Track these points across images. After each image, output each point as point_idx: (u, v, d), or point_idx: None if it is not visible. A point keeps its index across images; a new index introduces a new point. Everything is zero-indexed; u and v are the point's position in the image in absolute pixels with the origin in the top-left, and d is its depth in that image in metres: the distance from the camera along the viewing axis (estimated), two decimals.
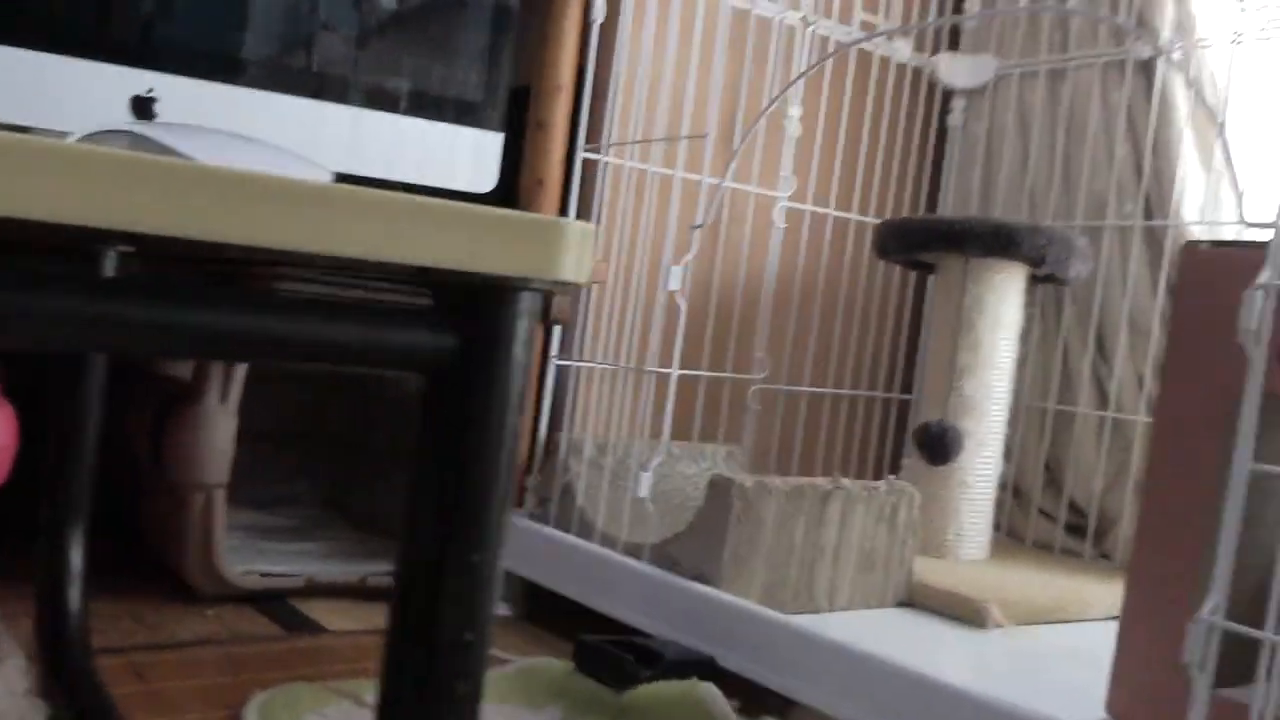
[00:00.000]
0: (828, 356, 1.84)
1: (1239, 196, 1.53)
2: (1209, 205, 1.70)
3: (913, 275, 1.93)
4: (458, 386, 0.48)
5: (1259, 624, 0.83)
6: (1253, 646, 0.83)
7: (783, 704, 1.09)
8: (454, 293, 0.47)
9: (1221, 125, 1.64)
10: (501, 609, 1.48)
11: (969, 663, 1.13)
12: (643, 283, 1.59)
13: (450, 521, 0.48)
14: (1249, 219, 1.44)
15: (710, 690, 1.06)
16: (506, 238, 0.46)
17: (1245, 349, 0.85)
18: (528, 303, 0.48)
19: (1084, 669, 1.11)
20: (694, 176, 1.55)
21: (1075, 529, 1.77)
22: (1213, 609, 0.84)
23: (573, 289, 1.38)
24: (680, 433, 1.67)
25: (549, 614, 1.49)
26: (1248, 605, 0.93)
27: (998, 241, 1.42)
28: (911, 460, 1.60)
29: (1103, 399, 1.76)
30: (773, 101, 1.57)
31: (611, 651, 1.10)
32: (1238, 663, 0.94)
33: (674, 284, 1.27)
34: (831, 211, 1.79)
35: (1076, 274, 1.53)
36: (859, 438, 1.88)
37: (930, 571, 1.44)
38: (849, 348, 1.86)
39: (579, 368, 1.58)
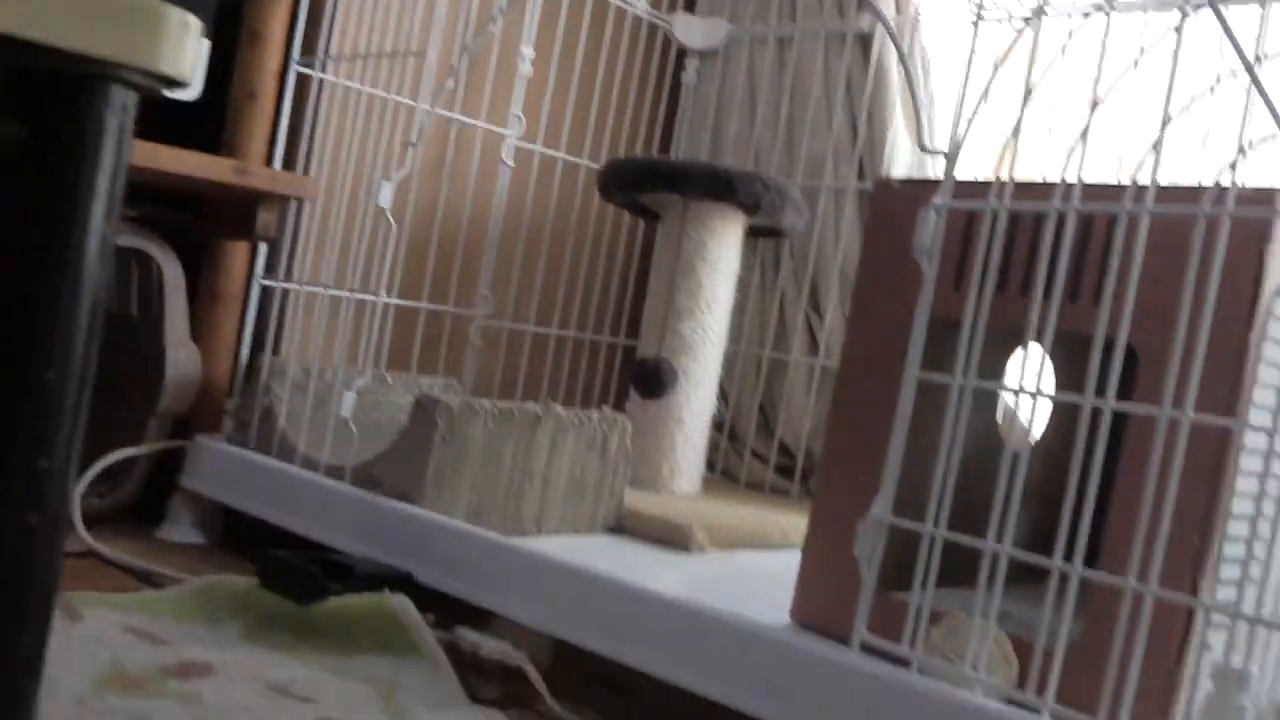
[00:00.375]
0: (554, 298, 1.84)
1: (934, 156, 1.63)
2: (915, 169, 1.81)
3: (643, 225, 1.96)
4: (30, 185, 0.43)
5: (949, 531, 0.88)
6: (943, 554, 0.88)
7: (481, 618, 1.07)
8: (23, 73, 0.42)
9: (925, 95, 1.75)
10: (194, 536, 1.40)
11: (671, 578, 1.15)
12: (362, 206, 1.54)
13: (20, 336, 0.43)
14: (929, 146, 1.54)
15: (402, 602, 1.04)
16: (85, 9, 0.41)
17: (920, 265, 0.90)
18: (118, 99, 0.44)
19: (779, 586, 1.15)
20: (411, 103, 1.51)
21: (785, 470, 1.85)
22: (881, 508, 0.89)
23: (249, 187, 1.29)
24: (399, 365, 1.63)
25: (247, 543, 1.42)
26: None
27: (715, 184, 1.45)
28: (631, 399, 1.62)
29: (814, 347, 1.84)
30: (488, 23, 1.55)
31: (297, 564, 1.05)
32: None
33: (383, 200, 1.23)
34: (561, 155, 1.79)
35: (791, 224, 1.59)
36: (584, 379, 1.89)
37: (641, 501, 1.46)
38: (576, 290, 1.87)
39: (291, 291, 1.51)
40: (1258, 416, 0.79)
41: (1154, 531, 0.75)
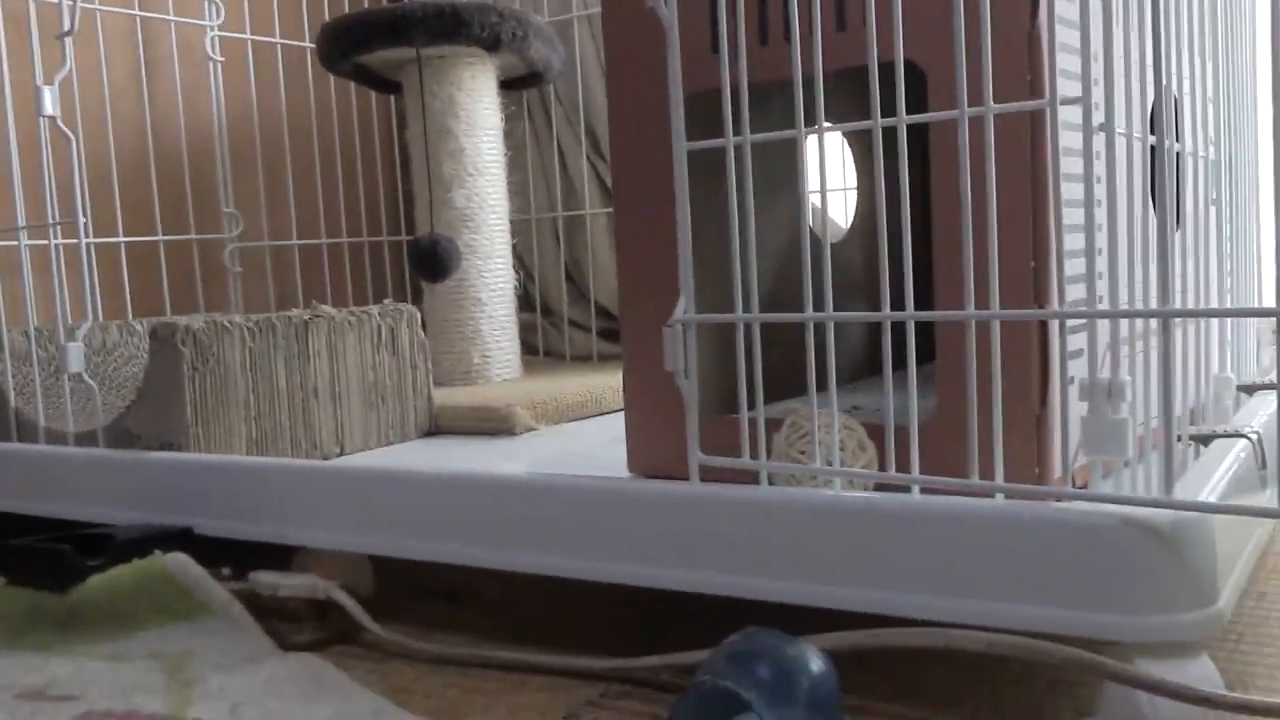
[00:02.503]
0: (314, 203, 1.65)
1: None
2: None
3: (395, 102, 1.78)
4: None
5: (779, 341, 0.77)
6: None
7: (288, 555, 0.92)
8: None
9: None
10: None
11: (503, 463, 1.02)
12: (33, 128, 1.32)
13: None
14: None
15: (178, 560, 0.88)
16: None
17: (659, 14, 0.77)
18: None
19: (618, 448, 1.04)
20: None
21: (609, 334, 1.73)
22: (684, 309, 0.77)
23: None
24: (151, 309, 1.43)
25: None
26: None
27: (444, 24, 1.28)
28: (426, 291, 1.47)
29: (607, 195, 1.71)
30: None
31: (44, 549, 0.88)
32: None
33: (49, 108, 1.03)
34: (278, 40, 1.59)
35: (544, 60, 1.43)
36: (372, 286, 1.72)
37: (456, 395, 1.33)
38: (337, 191, 1.68)
39: None
40: (1067, 88, 0.69)
41: (983, 248, 0.65)
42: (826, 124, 0.70)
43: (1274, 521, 0.79)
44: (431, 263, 1.31)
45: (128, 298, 1.34)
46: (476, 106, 1.43)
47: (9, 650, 0.84)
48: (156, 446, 1.04)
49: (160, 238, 1.42)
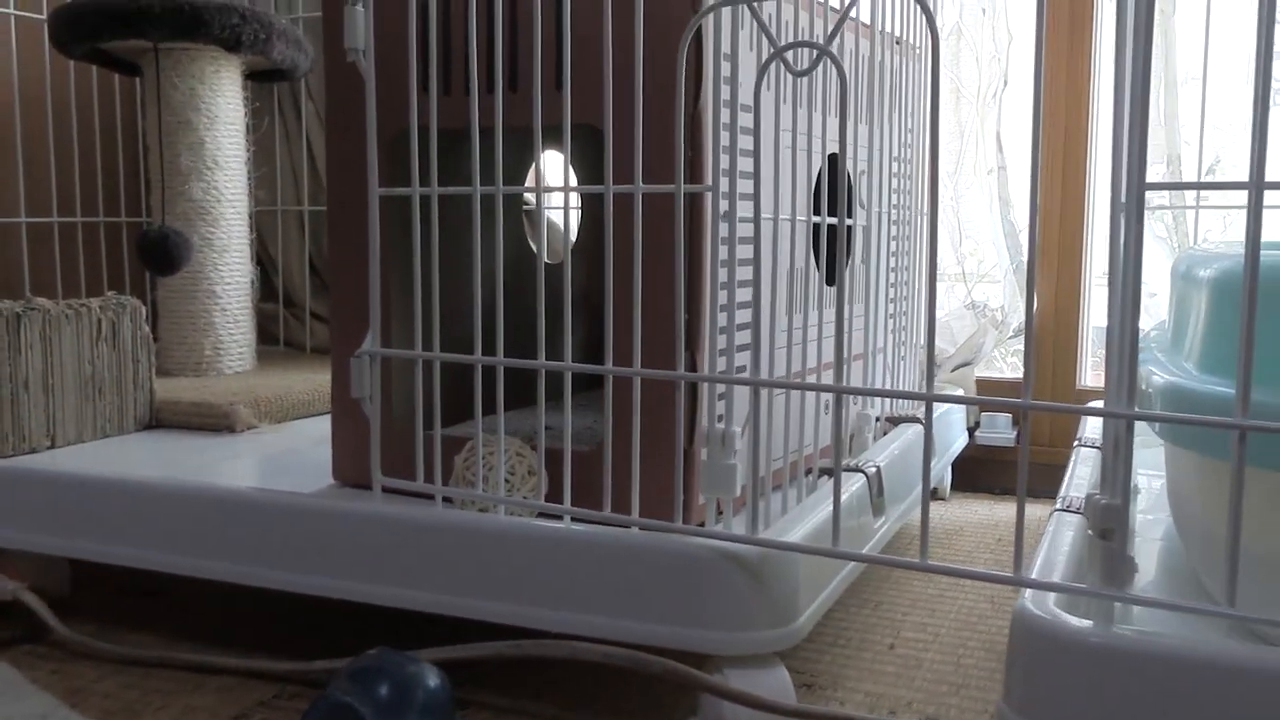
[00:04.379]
0: (46, 180, 1.61)
1: None
2: None
3: (132, 88, 1.75)
4: None
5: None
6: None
7: None
8: None
9: None
10: None
11: (217, 465, 1.05)
12: None
13: None
14: None
15: None
16: None
17: (358, 66, 0.83)
18: None
19: (329, 448, 1.09)
20: None
21: None
22: (370, 341, 0.83)
23: None
24: None
25: None
26: (471, 341, 0.94)
27: (182, 22, 1.29)
28: (160, 280, 1.47)
29: None
30: None
31: None
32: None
33: None
34: (12, 11, 1.54)
35: (289, 59, 1.45)
36: (107, 269, 1.70)
37: (181, 388, 1.34)
38: (73, 167, 1.65)
39: None
40: (742, 164, 0.79)
41: (647, 314, 0.74)
42: (505, 187, 0.78)
43: (884, 537, 0.92)
44: (160, 256, 1.31)
45: None
46: (218, 100, 1.44)
47: None
48: None
49: None
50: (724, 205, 0.80)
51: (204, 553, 0.86)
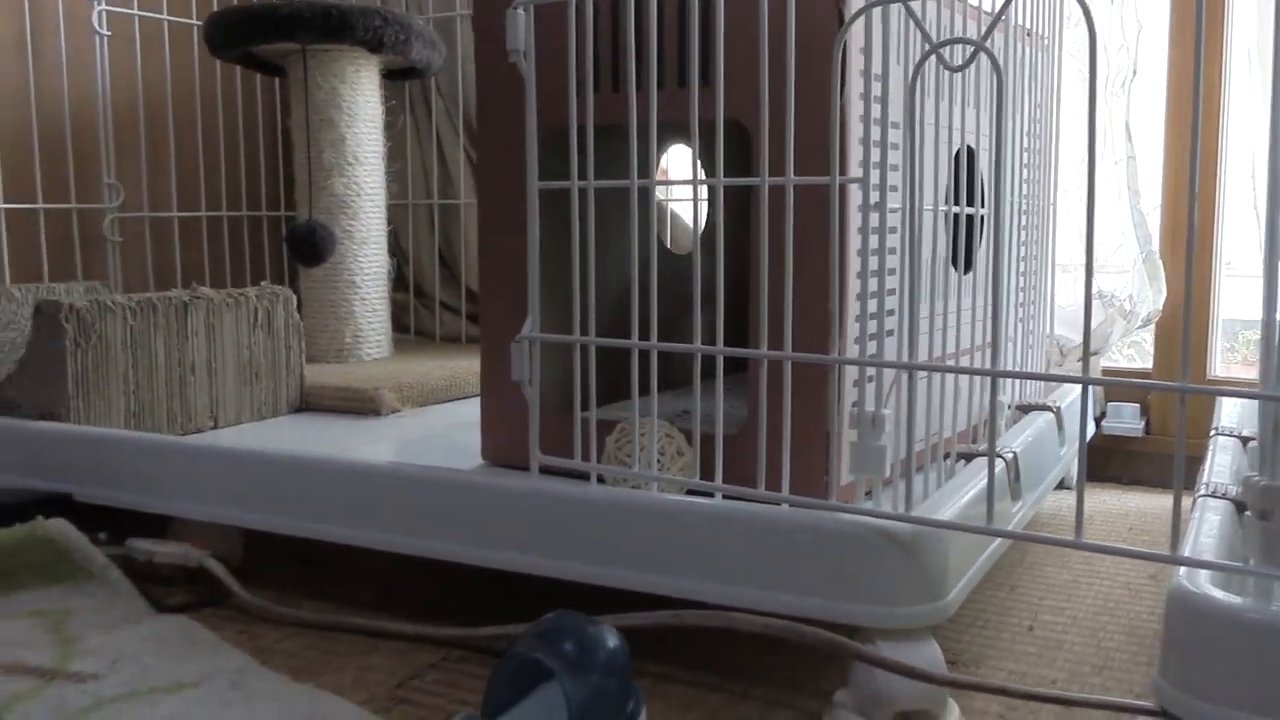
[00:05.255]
0: (195, 177, 1.70)
1: None
2: None
3: (275, 89, 1.83)
4: None
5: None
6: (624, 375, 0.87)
7: (163, 523, 1.00)
8: None
9: None
10: None
11: (368, 446, 1.11)
12: None
13: None
14: None
15: (59, 525, 0.95)
16: None
17: (518, 67, 0.87)
18: None
19: (475, 433, 1.14)
20: None
21: (478, 317, 1.82)
22: (530, 326, 0.87)
23: None
24: (29, 276, 1.48)
25: None
26: (612, 327, 0.99)
27: (330, 24, 1.35)
28: (302, 271, 1.54)
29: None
30: None
31: None
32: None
33: None
34: (166, 17, 1.63)
35: (424, 59, 1.52)
36: (250, 260, 1.78)
37: (325, 374, 1.41)
38: (219, 166, 1.73)
39: None
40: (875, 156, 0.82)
41: (786, 298, 0.77)
42: (659, 180, 0.82)
43: (1024, 518, 0.94)
44: (308, 248, 1.38)
45: (5, 264, 1.39)
46: (358, 99, 1.51)
47: None
48: (36, 416, 1.10)
49: (40, 205, 1.47)
50: (873, 196, 0.83)
51: (375, 525, 0.92)
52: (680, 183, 0.85)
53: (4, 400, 1.13)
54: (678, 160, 1.51)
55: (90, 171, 1.57)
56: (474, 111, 1.78)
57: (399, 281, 1.86)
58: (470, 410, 1.32)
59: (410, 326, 1.87)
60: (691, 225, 1.14)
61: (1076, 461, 1.41)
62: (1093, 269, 0.66)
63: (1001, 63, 0.96)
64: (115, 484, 1.03)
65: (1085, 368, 0.66)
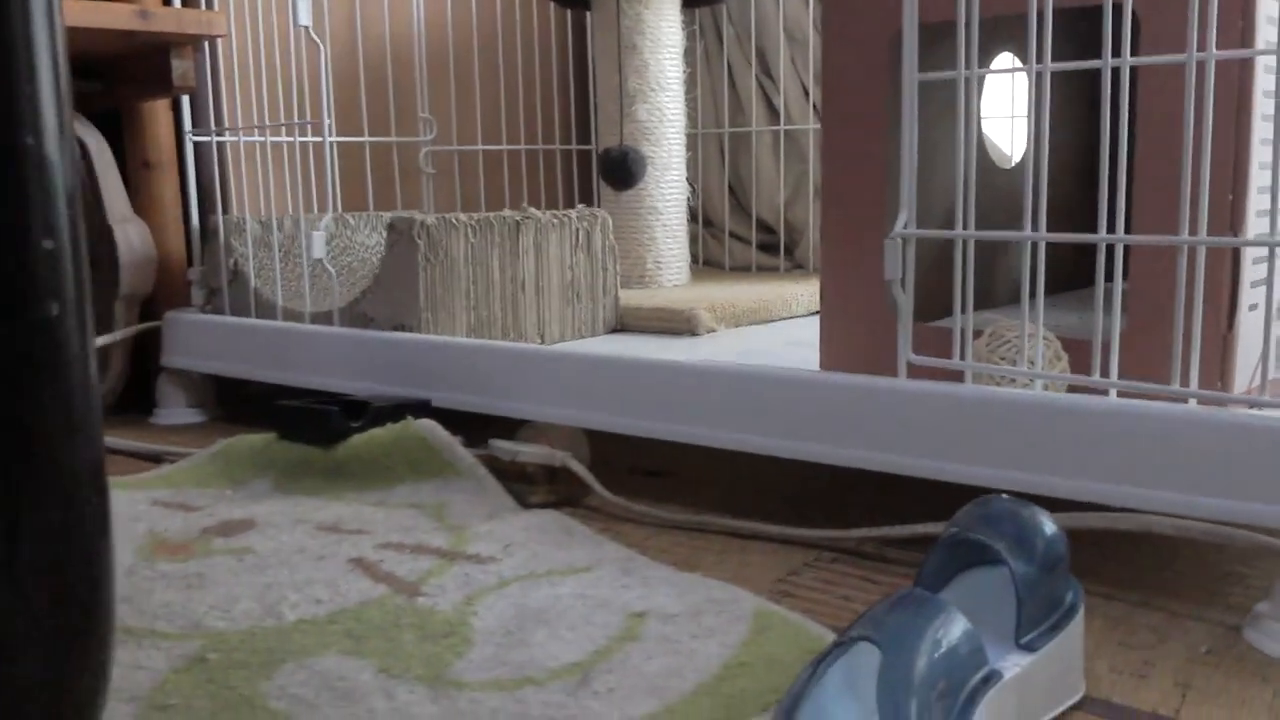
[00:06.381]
0: (498, 113, 1.75)
1: None
2: None
3: (571, 25, 1.86)
4: None
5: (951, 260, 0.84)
6: (948, 289, 0.85)
7: (513, 426, 1.04)
8: None
9: None
10: (191, 416, 1.35)
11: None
12: (276, 36, 1.44)
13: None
14: None
15: (429, 426, 1.00)
16: None
17: None
18: None
19: (802, 349, 1.13)
20: None
21: (768, 247, 1.81)
22: (905, 223, 0.85)
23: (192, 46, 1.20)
24: (354, 205, 1.56)
25: (251, 411, 1.38)
26: (943, 244, 0.96)
27: None
28: (604, 198, 1.57)
29: (773, 115, 1.78)
30: None
31: (313, 409, 1.01)
32: (935, 307, 0.97)
33: (303, 18, 1.13)
34: None
35: None
36: (545, 191, 1.83)
37: (636, 297, 1.43)
38: (518, 101, 1.78)
39: (228, 145, 1.42)
40: (1269, 33, 0.75)
41: (1195, 180, 0.72)
42: (1052, 64, 0.77)
43: None
44: (621, 172, 1.40)
45: (338, 194, 1.47)
46: (661, 24, 1.51)
47: (287, 494, 0.98)
48: (390, 327, 1.16)
49: (366, 139, 1.54)
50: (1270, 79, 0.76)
51: (713, 425, 0.92)
52: (1082, 65, 0.80)
53: (358, 315, 1.19)
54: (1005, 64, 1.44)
55: (406, 108, 1.64)
56: (766, 41, 1.76)
57: (689, 212, 1.87)
58: (783, 331, 1.31)
59: (699, 256, 1.88)
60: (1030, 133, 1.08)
61: None
62: None
63: None
64: (470, 389, 1.07)
65: None
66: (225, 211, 1.39)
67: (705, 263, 1.88)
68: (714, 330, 1.32)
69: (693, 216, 1.87)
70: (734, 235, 1.83)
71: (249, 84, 1.42)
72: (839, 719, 0.49)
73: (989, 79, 1.47)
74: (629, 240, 1.55)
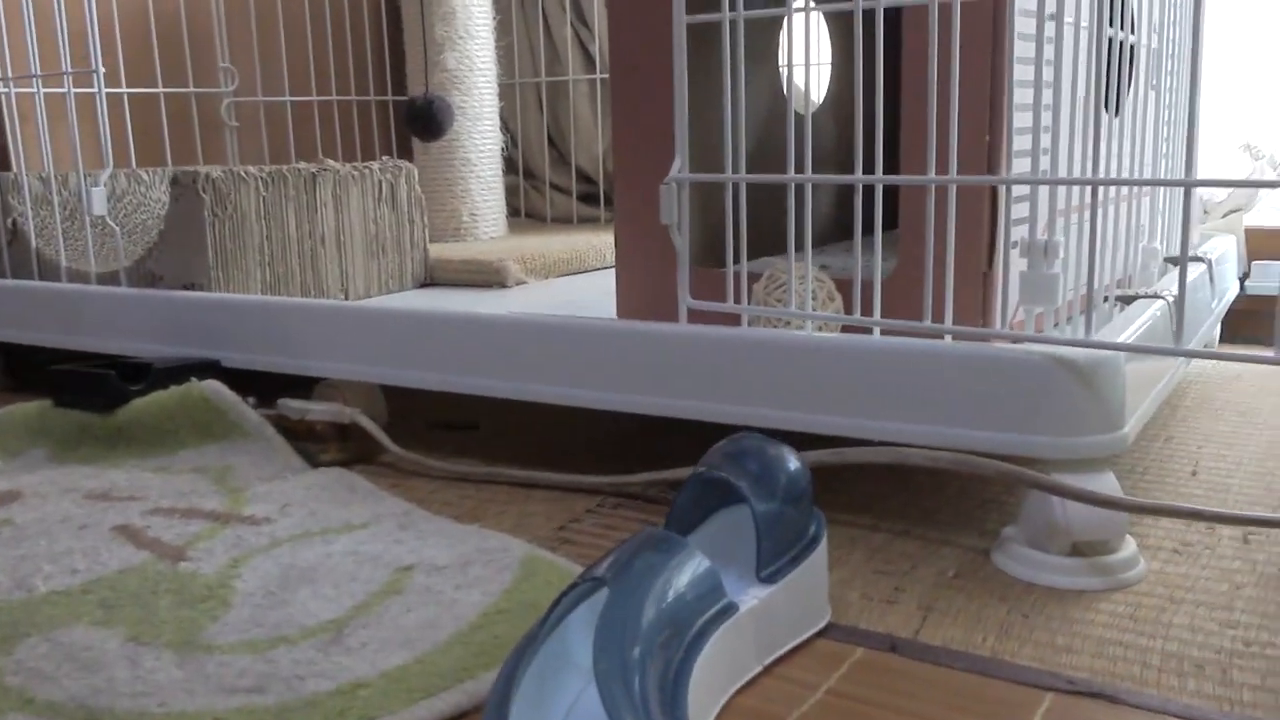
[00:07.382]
0: (306, 64, 1.70)
1: None
2: None
3: None
4: None
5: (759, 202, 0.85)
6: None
7: (308, 385, 1.02)
8: None
9: None
10: None
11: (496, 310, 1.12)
12: None
13: None
14: None
15: (213, 386, 0.97)
16: None
17: None
18: None
19: (605, 299, 1.14)
20: None
21: (589, 198, 1.81)
22: (679, 168, 0.85)
23: None
24: (151, 160, 1.49)
25: (35, 378, 1.32)
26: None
27: None
28: (416, 150, 1.54)
29: (590, 63, 1.77)
30: None
31: (89, 373, 0.97)
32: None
33: None
34: None
35: None
36: (361, 144, 1.79)
37: (448, 250, 1.41)
38: (327, 51, 1.73)
39: (2, 98, 1.34)
40: None
41: (945, 121, 0.74)
42: (813, 5, 0.78)
43: (1180, 368, 0.91)
44: (427, 121, 1.38)
45: (132, 148, 1.40)
46: None
47: (63, 463, 0.94)
48: (179, 287, 1.12)
49: (160, 89, 1.48)
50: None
51: (507, 377, 0.92)
52: (838, 8, 0.81)
53: (146, 274, 1.15)
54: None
55: (206, 58, 1.57)
56: None
57: (508, 163, 1.85)
58: (594, 281, 1.32)
59: (520, 208, 1.86)
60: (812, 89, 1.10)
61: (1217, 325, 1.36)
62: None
63: None
64: (262, 349, 1.04)
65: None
66: (4, 169, 1.32)
67: (527, 215, 1.86)
68: (524, 282, 1.31)
69: (512, 168, 1.86)
70: (555, 186, 1.82)
71: (14, 29, 1.34)
72: (574, 657, 0.50)
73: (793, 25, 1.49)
74: (442, 192, 1.53)
